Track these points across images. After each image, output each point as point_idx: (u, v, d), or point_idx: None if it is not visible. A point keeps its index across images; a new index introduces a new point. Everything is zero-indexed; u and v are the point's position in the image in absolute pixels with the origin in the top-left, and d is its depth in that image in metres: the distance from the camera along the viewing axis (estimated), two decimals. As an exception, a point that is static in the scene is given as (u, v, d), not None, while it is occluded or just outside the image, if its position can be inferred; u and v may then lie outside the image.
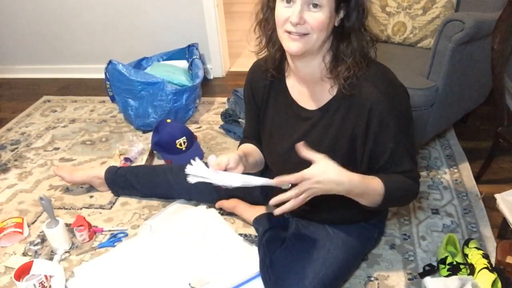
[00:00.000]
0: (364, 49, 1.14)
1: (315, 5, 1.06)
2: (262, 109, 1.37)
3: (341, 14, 1.11)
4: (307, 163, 1.26)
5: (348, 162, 1.17)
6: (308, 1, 1.06)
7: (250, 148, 1.42)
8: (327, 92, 1.20)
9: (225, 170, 1.15)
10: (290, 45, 1.11)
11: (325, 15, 1.07)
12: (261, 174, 1.26)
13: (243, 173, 1.18)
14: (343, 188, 1.10)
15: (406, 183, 1.22)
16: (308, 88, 1.24)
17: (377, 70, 1.18)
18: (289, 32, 1.09)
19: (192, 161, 1.13)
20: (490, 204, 1.64)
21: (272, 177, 1.12)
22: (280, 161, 1.33)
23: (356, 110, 1.17)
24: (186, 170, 1.12)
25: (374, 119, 1.15)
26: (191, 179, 1.12)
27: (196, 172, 1.12)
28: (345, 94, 1.16)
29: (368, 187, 1.14)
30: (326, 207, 1.35)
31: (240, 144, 1.49)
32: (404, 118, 1.19)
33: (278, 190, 1.12)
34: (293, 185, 1.09)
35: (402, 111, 1.18)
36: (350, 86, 1.16)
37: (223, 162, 1.14)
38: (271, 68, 1.26)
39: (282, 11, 1.09)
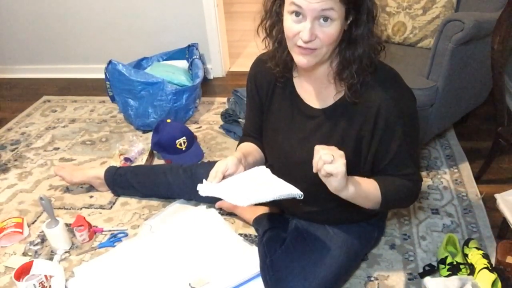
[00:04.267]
0: (370, 54, 1.12)
1: (326, 19, 1.02)
2: (266, 104, 1.36)
3: (350, 19, 1.08)
4: (310, 162, 1.26)
5: (353, 162, 1.17)
6: (318, 16, 1.02)
7: (249, 147, 1.42)
8: (334, 93, 1.20)
9: (224, 177, 1.17)
10: (300, 59, 1.11)
11: (336, 28, 1.04)
12: None
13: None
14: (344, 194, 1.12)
15: (404, 187, 1.23)
16: (315, 87, 1.24)
17: (386, 74, 1.18)
18: (299, 46, 1.08)
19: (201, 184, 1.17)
20: (490, 204, 1.65)
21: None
22: (284, 158, 1.32)
23: (363, 113, 1.17)
24: (198, 187, 1.15)
25: (381, 121, 1.16)
26: (202, 193, 1.15)
27: (206, 188, 1.15)
28: (351, 99, 1.16)
29: (367, 195, 1.17)
30: (327, 207, 1.35)
31: (239, 143, 1.48)
32: (410, 122, 1.19)
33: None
34: (305, 195, 1.10)
35: (408, 116, 1.19)
36: (356, 92, 1.15)
37: (220, 170, 1.17)
38: (281, 68, 1.24)
39: (291, 25, 1.06)
